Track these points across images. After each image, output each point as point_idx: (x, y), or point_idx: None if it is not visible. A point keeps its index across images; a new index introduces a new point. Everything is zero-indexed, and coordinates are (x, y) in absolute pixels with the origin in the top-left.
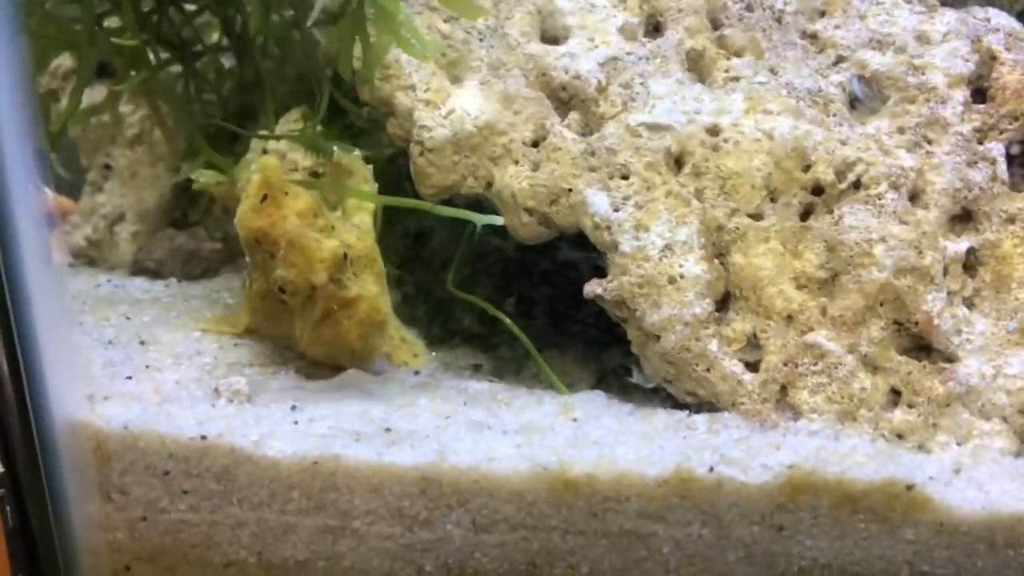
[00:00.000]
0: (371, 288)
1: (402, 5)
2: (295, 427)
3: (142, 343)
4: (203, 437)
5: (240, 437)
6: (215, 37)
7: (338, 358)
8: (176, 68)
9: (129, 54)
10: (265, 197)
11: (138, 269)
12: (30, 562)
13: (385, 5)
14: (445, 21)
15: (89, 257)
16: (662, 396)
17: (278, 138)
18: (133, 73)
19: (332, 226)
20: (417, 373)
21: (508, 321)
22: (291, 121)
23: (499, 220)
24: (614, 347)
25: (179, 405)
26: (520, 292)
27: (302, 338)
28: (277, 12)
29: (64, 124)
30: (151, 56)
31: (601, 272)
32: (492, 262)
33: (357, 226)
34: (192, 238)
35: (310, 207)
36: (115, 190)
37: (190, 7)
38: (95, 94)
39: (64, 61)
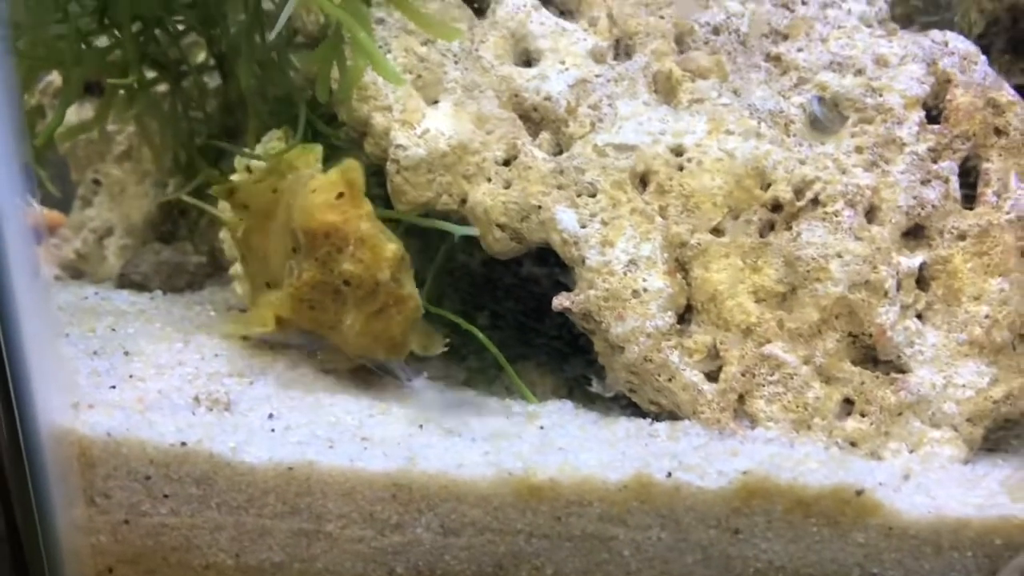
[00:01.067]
0: (414, 288)
1: (373, 32)
2: (272, 434)
3: (126, 354)
4: (183, 444)
5: (219, 444)
6: (202, 57)
7: (377, 350)
8: (163, 87)
9: (116, 73)
10: (341, 195)
11: (124, 282)
12: (16, 565)
13: (360, 41)
14: (422, 44)
15: (78, 270)
16: (623, 404)
17: (258, 157)
18: (121, 92)
19: (383, 230)
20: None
21: (481, 336)
22: (272, 140)
23: (476, 231)
24: (576, 358)
25: (161, 413)
26: (485, 305)
27: (351, 328)
28: (259, 35)
29: (49, 138)
30: (138, 75)
31: (562, 286)
32: (459, 277)
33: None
34: (178, 252)
35: (373, 214)
36: (104, 205)
37: (176, 28)
38: (85, 111)
39: (53, 79)
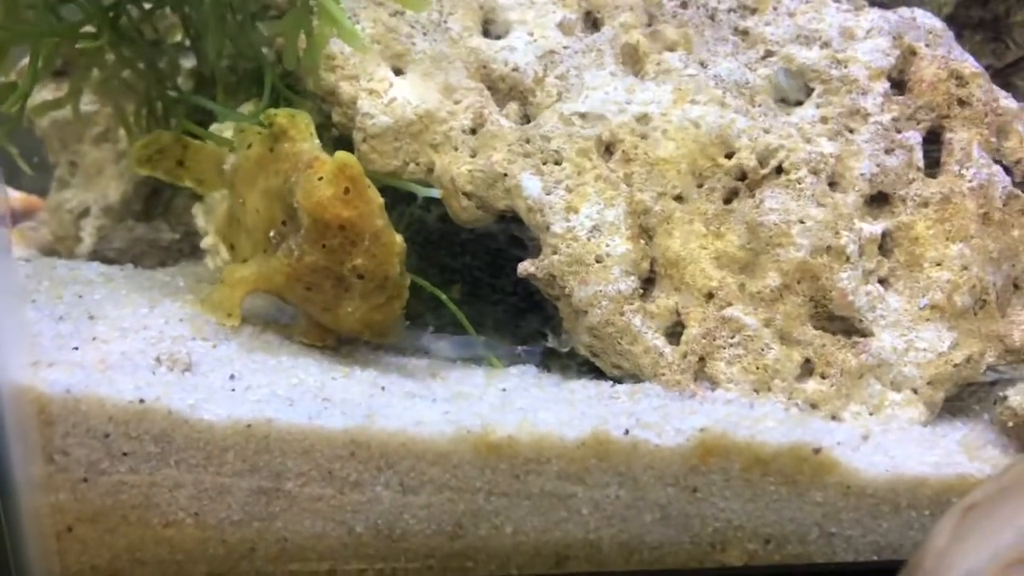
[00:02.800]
0: (406, 274)
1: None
2: (232, 394)
3: (91, 318)
4: (141, 401)
5: (177, 401)
6: (178, 38)
7: (366, 334)
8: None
9: (89, 53)
10: (347, 191)
11: (97, 258)
12: None
13: (325, 5)
14: (391, 15)
15: (55, 251)
16: (584, 368)
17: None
18: (95, 70)
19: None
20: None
21: (454, 308)
22: (243, 114)
23: (437, 193)
24: (532, 314)
25: (121, 372)
26: (442, 262)
27: (349, 315)
28: (229, 10)
29: (19, 109)
30: (111, 53)
31: (518, 242)
32: (416, 233)
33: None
34: (152, 230)
35: (383, 207)
36: (81, 186)
37: (147, 4)
38: (60, 92)
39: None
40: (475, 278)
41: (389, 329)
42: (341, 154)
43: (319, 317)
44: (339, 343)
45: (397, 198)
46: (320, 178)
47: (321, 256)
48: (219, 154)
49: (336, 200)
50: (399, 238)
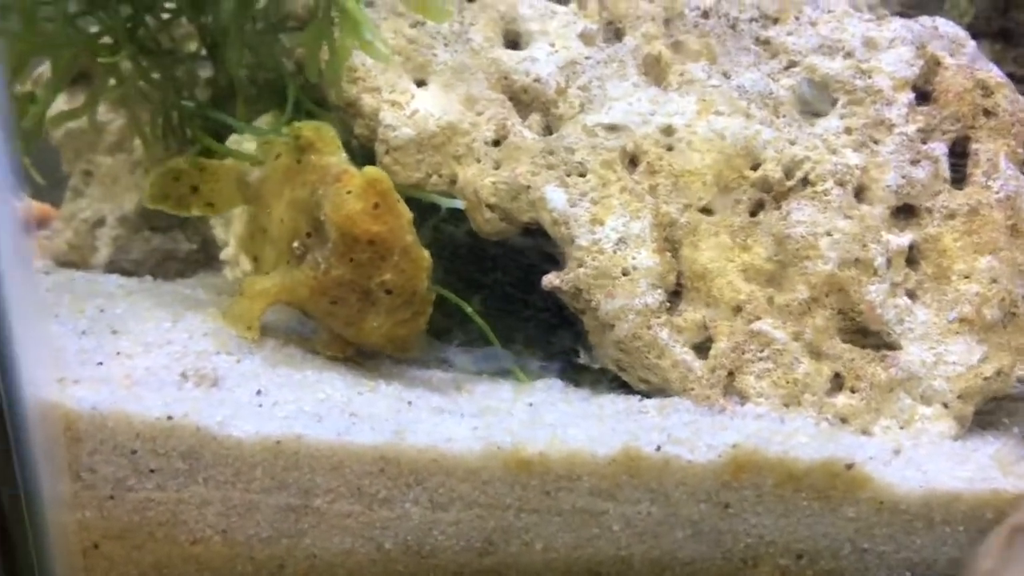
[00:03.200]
0: (432, 288)
1: (365, 10)
2: (259, 409)
3: (114, 332)
4: (169, 417)
5: (205, 418)
6: (193, 48)
7: (389, 349)
8: (154, 76)
9: (107, 60)
10: (377, 205)
11: (114, 269)
12: (1, 541)
13: (349, 10)
14: (411, 26)
15: (70, 261)
16: (612, 382)
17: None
18: (111, 80)
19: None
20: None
21: (480, 321)
22: (262, 127)
23: (461, 204)
24: (564, 330)
25: (148, 388)
26: (473, 277)
27: (376, 329)
28: (249, 19)
29: (39, 123)
30: (129, 58)
31: (549, 258)
32: (446, 248)
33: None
34: (169, 240)
35: (411, 222)
36: (95, 195)
37: (166, 15)
38: (76, 102)
39: (45, 69)
40: (506, 293)
41: (412, 344)
42: (371, 169)
43: (342, 331)
44: (361, 356)
45: (424, 212)
46: (349, 192)
47: (348, 270)
48: (239, 170)
49: (366, 215)
50: (426, 253)
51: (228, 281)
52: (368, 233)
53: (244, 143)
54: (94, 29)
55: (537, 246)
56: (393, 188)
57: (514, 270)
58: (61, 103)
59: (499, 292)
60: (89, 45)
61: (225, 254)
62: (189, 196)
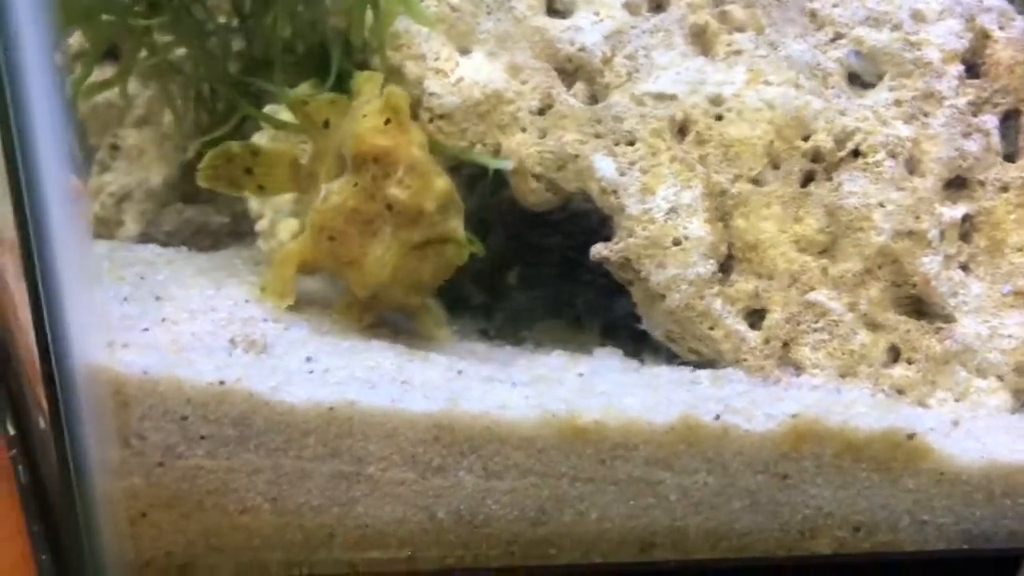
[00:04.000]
0: (461, 232)
1: None
2: (310, 376)
3: (158, 299)
4: (221, 383)
5: (258, 383)
6: (223, 20)
7: (393, 296)
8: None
9: (139, 32)
10: (388, 121)
11: (147, 241)
12: (45, 514)
13: None
14: None
15: (98, 235)
16: (668, 354)
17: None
18: (143, 53)
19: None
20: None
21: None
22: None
23: (510, 164)
24: (621, 296)
25: (197, 353)
26: (532, 240)
27: (379, 260)
28: None
29: (75, 95)
30: (163, 34)
31: (608, 221)
32: (505, 212)
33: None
34: (201, 212)
35: (426, 146)
36: (122, 169)
37: None
38: (105, 75)
39: (73, 43)
40: (566, 258)
41: (424, 286)
42: (390, 87)
43: (346, 278)
44: (385, 327)
45: (476, 179)
46: (365, 115)
47: (352, 195)
48: (293, 156)
49: (373, 130)
50: (443, 179)
51: (264, 253)
52: (374, 148)
53: (281, 112)
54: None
55: (599, 212)
56: (408, 107)
57: (577, 234)
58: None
59: (559, 257)
60: (124, 15)
61: (260, 225)
62: (242, 177)
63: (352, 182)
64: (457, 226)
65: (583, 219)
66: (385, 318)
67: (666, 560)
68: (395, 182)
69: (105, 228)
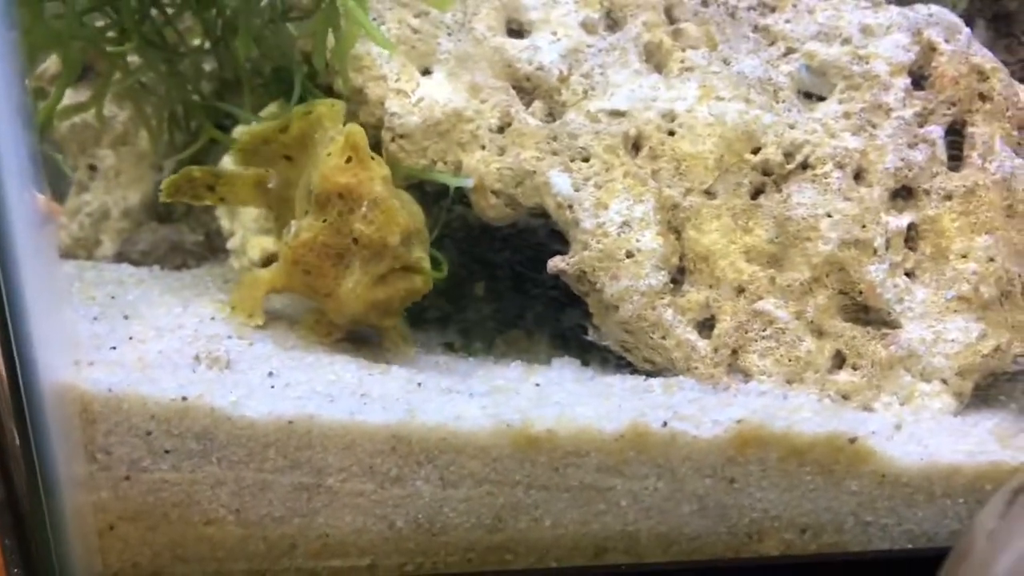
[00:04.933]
0: (426, 262)
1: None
2: (271, 391)
3: (126, 318)
4: (184, 398)
5: (219, 398)
6: (196, 42)
7: (371, 316)
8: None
9: (113, 56)
10: (349, 159)
11: (122, 261)
12: (16, 524)
13: (350, 9)
14: (415, 16)
15: (74, 255)
16: (619, 362)
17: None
18: (117, 75)
19: (401, 197)
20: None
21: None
22: (268, 116)
23: (470, 182)
24: (572, 309)
25: (162, 371)
26: (483, 256)
27: (352, 292)
28: (256, 11)
29: (49, 117)
30: (135, 56)
31: (558, 236)
32: (457, 228)
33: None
34: (175, 231)
35: (389, 179)
36: (100, 189)
37: (171, 9)
38: (81, 97)
39: (50, 65)
40: (516, 272)
41: (395, 310)
42: (349, 126)
43: (323, 305)
44: (352, 343)
45: (437, 196)
46: (329, 153)
47: (321, 231)
48: (258, 177)
49: (337, 169)
50: (405, 212)
51: (235, 270)
52: (337, 185)
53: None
54: (100, 24)
55: (547, 226)
56: (367, 145)
57: (525, 249)
58: (66, 100)
59: (510, 271)
60: (97, 39)
61: (232, 243)
62: (204, 192)
63: (321, 218)
64: (421, 256)
65: (530, 234)
66: (351, 332)
67: (618, 564)
68: (359, 218)
69: (83, 248)
